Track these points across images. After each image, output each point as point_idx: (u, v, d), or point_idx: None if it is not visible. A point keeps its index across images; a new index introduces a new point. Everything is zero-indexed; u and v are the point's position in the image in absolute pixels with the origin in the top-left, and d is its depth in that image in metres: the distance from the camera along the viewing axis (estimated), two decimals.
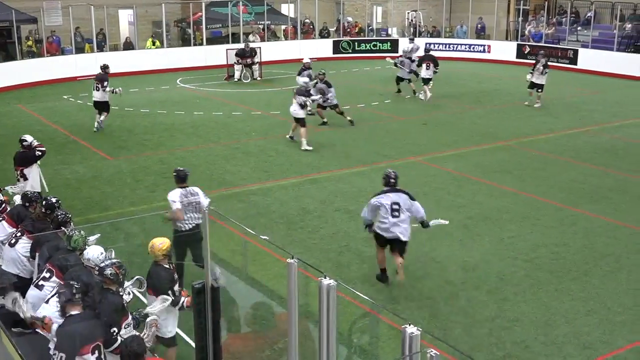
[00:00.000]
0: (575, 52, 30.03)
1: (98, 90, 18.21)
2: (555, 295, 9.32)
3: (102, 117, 18.38)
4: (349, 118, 18.85)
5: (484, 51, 32.42)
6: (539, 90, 21.66)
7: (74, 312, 6.00)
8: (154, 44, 28.99)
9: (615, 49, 29.02)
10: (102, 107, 18.40)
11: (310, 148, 16.22)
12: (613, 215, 12.26)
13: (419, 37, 33.94)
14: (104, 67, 18.73)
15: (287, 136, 17.11)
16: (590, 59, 29.35)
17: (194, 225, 9.20)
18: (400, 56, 24.37)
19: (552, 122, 19.90)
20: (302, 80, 18.28)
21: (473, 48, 32.57)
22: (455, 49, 32.67)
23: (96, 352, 5.89)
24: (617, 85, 26.48)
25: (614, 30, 29.73)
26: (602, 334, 8.37)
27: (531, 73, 21.76)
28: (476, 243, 11.03)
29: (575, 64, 29.77)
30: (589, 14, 31.65)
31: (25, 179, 11.58)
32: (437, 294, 9.32)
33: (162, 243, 7.27)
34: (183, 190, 9.29)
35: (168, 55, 28.64)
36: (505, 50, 32.11)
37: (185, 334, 7.89)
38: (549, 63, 21.66)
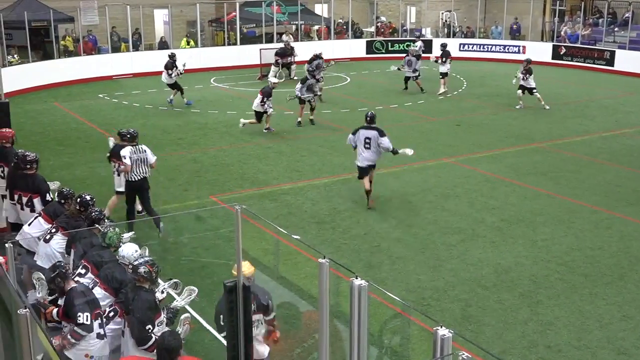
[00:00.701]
0: (612, 53, 29.59)
1: (166, 75, 21.18)
2: (590, 300, 9.20)
3: (172, 96, 21.57)
4: (311, 117, 19.32)
5: (518, 52, 32.07)
6: (534, 92, 21.36)
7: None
8: (188, 43, 29.22)
9: None
10: (172, 87, 21.46)
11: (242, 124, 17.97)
12: None
13: (453, 37, 33.81)
14: (171, 56, 21.40)
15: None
16: (627, 60, 28.89)
17: (142, 177, 10.97)
18: (406, 55, 24.33)
19: (587, 124, 19.65)
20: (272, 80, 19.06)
21: (508, 49, 32.26)
22: (489, 49, 32.40)
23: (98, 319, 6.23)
24: None
25: None
26: (637, 339, 8.23)
27: (517, 77, 21.78)
28: (509, 245, 10.93)
29: (612, 65, 29.33)
30: (626, 15, 31.16)
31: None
32: (469, 296, 9.26)
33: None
34: (133, 147, 10.97)
35: (202, 55, 28.83)
36: (540, 51, 31.71)
37: (217, 332, 7.94)
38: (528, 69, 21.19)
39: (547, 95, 23.95)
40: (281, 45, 26.64)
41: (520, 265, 10.22)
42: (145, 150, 11.03)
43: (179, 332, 6.52)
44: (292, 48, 26.08)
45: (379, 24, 33.64)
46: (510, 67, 29.06)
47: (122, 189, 11.32)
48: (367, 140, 12.40)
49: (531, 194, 13.41)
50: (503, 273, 9.94)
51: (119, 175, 11.48)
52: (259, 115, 17.87)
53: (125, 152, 10.83)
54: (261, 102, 17.64)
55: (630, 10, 31.00)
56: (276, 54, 25.72)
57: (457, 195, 13.27)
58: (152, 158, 11.09)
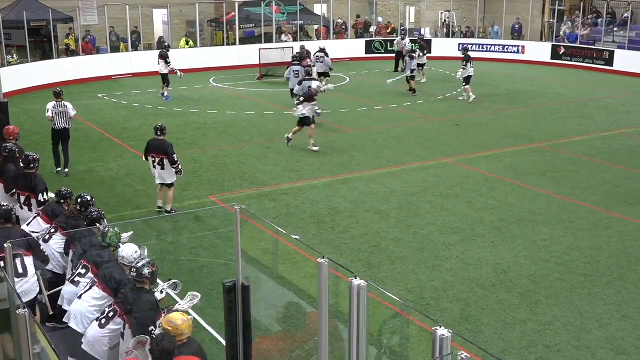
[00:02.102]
0: (611, 53, 29.61)
1: (164, 64, 22.12)
2: (589, 300, 9.20)
3: (165, 92, 22.36)
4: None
5: (518, 52, 32.11)
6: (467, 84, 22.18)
7: None
8: (187, 43, 29.22)
9: None
10: (164, 79, 22.30)
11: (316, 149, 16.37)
12: None
13: (452, 37, 33.84)
14: (166, 46, 22.97)
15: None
16: (626, 60, 28.90)
17: (62, 127, 14.46)
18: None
19: (587, 124, 19.66)
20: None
21: (507, 49, 32.26)
22: (489, 49, 32.41)
23: None
24: None
25: None
26: (636, 339, 8.24)
27: (463, 70, 22.14)
28: (508, 245, 10.94)
29: (611, 65, 29.35)
30: (625, 15, 31.17)
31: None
32: (468, 296, 9.26)
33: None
34: (56, 102, 14.38)
35: (201, 55, 28.84)
36: (539, 51, 31.77)
37: (216, 332, 7.95)
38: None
39: (547, 95, 24.05)
40: (297, 50, 25.27)
41: (520, 265, 10.22)
42: (66, 106, 14.42)
43: None
44: (308, 51, 25.48)
45: (377, 24, 33.65)
46: (510, 67, 29.14)
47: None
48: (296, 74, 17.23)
49: (530, 194, 13.41)
50: (502, 273, 9.95)
51: None
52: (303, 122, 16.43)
53: (49, 106, 14.39)
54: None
55: (630, 10, 31.00)
56: (299, 60, 22.05)
57: (457, 195, 13.27)
58: (71, 112, 14.49)
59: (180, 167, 11.86)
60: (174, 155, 11.76)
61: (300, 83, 19.10)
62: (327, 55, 24.26)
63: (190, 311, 7.15)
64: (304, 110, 16.17)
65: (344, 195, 13.23)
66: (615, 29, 31.43)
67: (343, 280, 6.06)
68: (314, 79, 19.30)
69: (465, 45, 25.13)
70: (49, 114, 14.42)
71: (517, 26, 33.61)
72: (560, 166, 15.33)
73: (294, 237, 10.40)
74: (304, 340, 6.76)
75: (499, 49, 32.18)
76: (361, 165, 15.20)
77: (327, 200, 12.96)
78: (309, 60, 23.27)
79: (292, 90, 20.51)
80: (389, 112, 20.92)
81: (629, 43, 29.73)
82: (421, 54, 25.26)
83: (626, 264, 10.30)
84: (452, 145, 17.08)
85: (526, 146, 16.98)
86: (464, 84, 22.40)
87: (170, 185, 11.93)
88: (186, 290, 7.30)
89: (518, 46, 32.34)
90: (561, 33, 32.36)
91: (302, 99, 16.43)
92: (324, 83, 21.92)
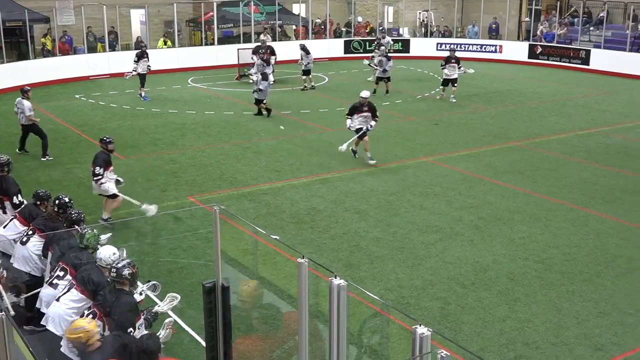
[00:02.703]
0: (588, 52, 29.90)
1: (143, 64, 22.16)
2: (567, 297, 9.28)
3: (142, 93, 22.44)
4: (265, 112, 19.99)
5: (495, 51, 32.31)
6: (455, 85, 22.29)
7: None
8: (165, 43, 29.07)
9: (628, 49, 28.88)
10: (142, 79, 22.27)
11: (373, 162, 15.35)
12: (625, 217, 12.20)
13: (430, 37, 33.97)
14: (143, 46, 23.59)
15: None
16: (602, 59, 29.20)
17: (22, 124, 15.66)
18: (375, 55, 24.27)
19: (564, 122, 19.82)
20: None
21: (485, 48, 32.45)
22: (466, 49, 32.56)
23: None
24: (629, 85, 26.33)
25: (627, 30, 29.59)
26: (613, 335, 8.32)
27: (444, 67, 22.30)
28: (487, 244, 11.00)
29: (588, 64, 29.64)
30: (601, 14, 31.49)
31: None
32: (447, 294, 9.31)
33: None
34: (19, 100, 15.49)
35: (179, 55, 28.70)
36: (517, 50, 31.99)
37: (196, 333, 7.92)
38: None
39: (524, 94, 24.21)
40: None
41: (498, 263, 10.29)
42: (23, 104, 15.43)
43: (160, 335, 6.48)
44: (269, 46, 25.76)
45: (356, 24, 33.71)
46: (488, 67, 29.31)
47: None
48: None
49: (509, 192, 13.50)
50: (481, 271, 10.01)
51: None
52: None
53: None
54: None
55: (605, 9, 31.33)
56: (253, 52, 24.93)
57: (436, 194, 13.33)
58: (27, 112, 15.39)
59: (102, 179, 11.33)
60: (96, 168, 11.41)
61: (264, 77, 19.74)
62: (308, 53, 24.25)
63: (170, 312, 7.14)
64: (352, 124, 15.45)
65: (324, 195, 13.24)
66: (591, 28, 31.75)
67: (323, 279, 6.06)
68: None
69: (453, 46, 25.16)
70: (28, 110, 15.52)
71: (494, 25, 33.82)
72: (538, 164, 15.44)
73: (274, 237, 10.38)
74: (284, 340, 6.74)
75: (477, 48, 32.35)
76: (340, 165, 15.21)
77: (306, 200, 12.96)
78: (264, 55, 23.62)
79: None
80: None
81: (605, 42, 30.05)
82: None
83: (603, 261, 10.40)
84: (430, 144, 17.15)
85: (504, 145, 17.09)
86: (443, 85, 22.54)
87: (112, 196, 11.62)
88: (166, 291, 7.28)
89: (495, 46, 32.54)
90: (538, 32, 32.63)
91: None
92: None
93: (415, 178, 14.34)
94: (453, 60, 22.24)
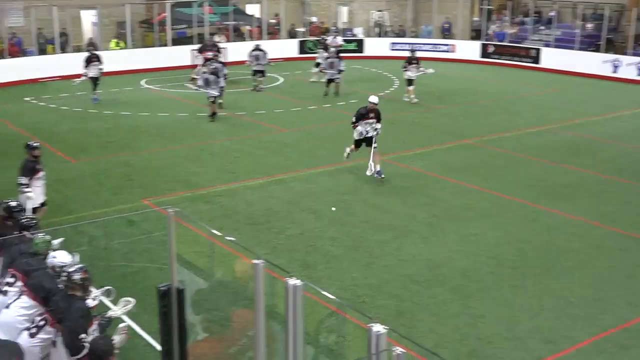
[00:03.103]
0: (538, 51, 30.45)
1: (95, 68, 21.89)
2: (519, 292, 9.46)
3: (94, 95, 21.98)
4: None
5: (448, 51, 32.69)
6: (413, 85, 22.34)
7: None
8: (117, 44, 28.72)
9: (577, 48, 29.49)
10: (94, 82, 21.91)
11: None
12: (574, 212, 12.48)
13: (384, 37, 34.20)
14: (93, 47, 23.50)
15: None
16: (552, 58, 29.79)
17: None
18: (328, 57, 23.96)
19: (515, 120, 20.17)
20: None
21: (438, 48, 32.80)
22: (420, 48, 32.88)
23: None
24: (578, 83, 26.91)
25: (576, 29, 30.21)
26: (564, 328, 8.51)
27: (406, 69, 22.20)
28: (441, 241, 11.15)
29: (538, 63, 30.20)
30: (551, 14, 32.12)
31: None
32: (402, 292, 9.41)
33: None
34: None
35: (132, 56, 28.37)
36: (469, 49, 32.42)
37: (152, 337, 7.86)
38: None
39: (477, 92, 24.56)
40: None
41: (452, 260, 10.43)
42: None
43: (115, 340, 6.42)
44: (214, 45, 25.65)
45: (310, 24, 33.79)
46: (441, 66, 29.58)
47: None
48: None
49: (461, 189, 13.69)
50: (435, 268, 10.14)
51: None
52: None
53: None
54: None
55: (555, 9, 31.97)
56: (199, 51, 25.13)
57: (390, 193, 13.45)
58: None
59: (26, 189, 10.89)
60: (20, 178, 10.95)
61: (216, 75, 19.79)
62: (264, 53, 24.20)
63: (124, 317, 7.07)
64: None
65: (279, 196, 13.25)
66: (541, 27, 32.35)
67: (279, 280, 6.08)
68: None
69: (413, 47, 25.26)
70: None
71: (446, 25, 34.22)
72: (489, 162, 15.69)
73: (229, 238, 10.33)
74: (238, 339, 6.74)
75: (430, 47, 32.68)
76: (296, 165, 15.24)
77: (262, 201, 12.95)
78: (209, 53, 23.61)
79: None
80: (323, 112, 21.05)
81: (555, 41, 30.66)
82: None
83: (554, 255, 10.62)
84: (384, 143, 17.23)
85: (457, 143, 17.32)
86: (408, 85, 22.52)
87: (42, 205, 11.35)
88: (120, 296, 7.21)
89: (449, 45, 32.92)
90: (489, 32, 33.11)
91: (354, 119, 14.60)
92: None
93: (369, 177, 14.42)
94: (414, 61, 22.31)
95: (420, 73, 22.25)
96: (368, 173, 13.87)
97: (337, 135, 17.96)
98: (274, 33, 32.88)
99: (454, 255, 10.58)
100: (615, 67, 27.95)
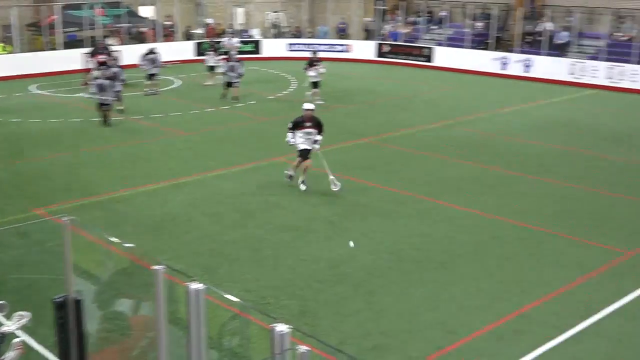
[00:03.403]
0: (431, 50, 31.29)
1: None
2: (419, 285, 9.68)
3: None
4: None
5: (345, 51, 33.11)
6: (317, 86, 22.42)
7: None
8: (4, 49, 27.57)
9: (468, 46, 30.48)
10: None
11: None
12: (470, 205, 12.88)
13: (281, 37, 34.29)
14: None
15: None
16: (444, 56, 30.70)
17: None
18: (227, 59, 23.75)
19: (411, 118, 20.64)
20: None
21: (334, 48, 33.17)
22: (317, 49, 33.16)
23: None
24: (470, 80, 27.83)
25: (466, 28, 31.21)
26: (462, 318, 8.77)
27: (307, 70, 22.35)
28: (342, 239, 11.26)
29: (431, 61, 31.04)
30: (442, 14, 33.07)
31: None
32: (306, 291, 9.45)
33: None
34: None
35: (20, 61, 27.30)
36: (365, 49, 32.95)
37: (49, 351, 7.60)
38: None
39: (373, 91, 24.99)
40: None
41: (353, 257, 10.56)
42: None
43: (8, 357, 6.16)
44: (106, 48, 25.13)
45: (207, 25, 33.48)
46: (338, 66, 29.96)
47: None
48: None
49: (361, 187, 13.88)
50: (337, 266, 10.23)
51: None
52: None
53: None
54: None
55: (446, 9, 32.94)
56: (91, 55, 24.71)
57: (290, 193, 13.49)
58: None
59: None
60: None
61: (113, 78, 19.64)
62: (158, 56, 23.86)
63: (19, 332, 6.79)
64: None
65: (179, 200, 13.06)
66: (434, 27, 33.26)
67: (181, 285, 5.99)
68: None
69: (314, 48, 25.26)
70: None
71: (342, 25, 34.66)
72: (388, 159, 15.99)
73: (128, 245, 10.11)
74: (137, 344, 6.62)
75: (327, 48, 33.00)
76: (194, 169, 15.05)
77: (161, 206, 12.72)
78: (101, 57, 23.14)
79: None
80: (221, 114, 20.90)
81: (447, 40, 31.60)
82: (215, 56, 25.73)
83: (452, 249, 10.93)
84: (283, 144, 17.25)
85: (356, 141, 17.56)
86: (313, 87, 22.48)
87: None
88: (13, 310, 6.92)
89: (345, 45, 33.35)
90: (382, 32, 33.77)
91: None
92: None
93: (269, 178, 14.43)
94: (316, 62, 22.32)
95: (321, 73, 22.36)
96: (334, 188, 13.32)
97: (236, 136, 17.92)
98: (169, 35, 32.39)
99: (356, 253, 10.71)
100: (504, 64, 29.07)
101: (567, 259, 10.61)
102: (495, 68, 29.14)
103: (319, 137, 13.68)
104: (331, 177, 13.35)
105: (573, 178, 14.73)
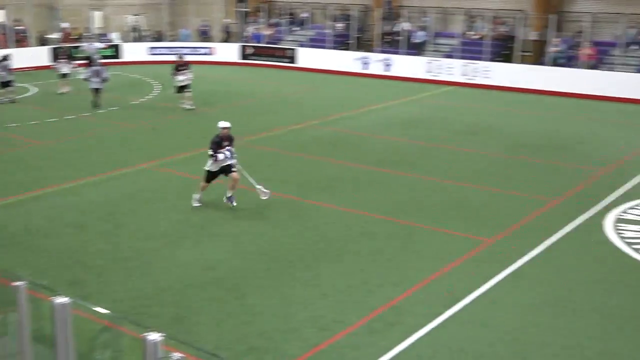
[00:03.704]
0: (294, 51, 31.61)
1: None
2: (292, 284, 9.75)
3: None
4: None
5: (208, 54, 32.85)
6: (188, 90, 21.84)
7: None
8: None
9: (330, 47, 31.05)
10: None
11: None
12: (339, 202, 13.12)
13: (141, 41, 33.55)
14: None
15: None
16: (307, 57, 31.13)
17: None
18: (88, 64, 23.02)
19: (277, 119, 20.77)
20: None
21: (197, 51, 32.83)
22: (180, 52, 32.69)
23: None
24: (333, 80, 28.37)
25: (327, 29, 31.77)
26: (336, 314, 8.91)
27: (175, 74, 21.72)
28: (214, 243, 11.17)
29: (295, 62, 31.37)
30: (303, 15, 33.49)
31: None
32: (180, 298, 9.29)
33: None
34: None
35: None
36: (229, 51, 32.85)
37: None
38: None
39: (239, 93, 24.97)
40: None
41: (226, 260, 10.50)
42: None
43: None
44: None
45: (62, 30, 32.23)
46: (201, 69, 29.68)
47: None
48: None
49: None
50: (210, 270, 10.13)
51: None
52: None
53: None
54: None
55: (307, 10, 33.39)
56: None
57: (159, 200, 13.24)
58: None
59: None
60: None
61: None
62: (9, 63, 22.69)
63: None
64: None
65: (40, 212, 12.49)
66: (296, 28, 33.63)
67: (45, 300, 5.73)
68: None
69: (181, 53, 24.57)
70: None
71: (204, 28, 34.39)
72: (256, 161, 15.95)
73: None
74: None
75: (190, 51, 32.61)
76: (55, 179, 14.45)
77: (19, 219, 12.11)
78: None
79: None
80: (82, 121, 20.20)
81: (309, 41, 32.04)
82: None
83: (323, 246, 11.09)
84: (149, 149, 16.97)
85: None
86: (186, 91, 21.83)
87: None
88: None
89: (208, 48, 33.10)
90: (245, 34, 33.79)
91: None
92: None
93: (136, 185, 14.10)
94: (183, 67, 21.74)
95: (187, 77, 21.79)
96: (264, 197, 12.86)
97: (99, 144, 17.38)
98: (21, 40, 30.92)
99: (228, 256, 10.66)
100: (365, 64, 29.84)
101: (433, 250, 11.03)
102: (358, 68, 29.86)
103: (233, 149, 12.88)
104: (257, 187, 13.00)
105: (435, 172, 15.33)
